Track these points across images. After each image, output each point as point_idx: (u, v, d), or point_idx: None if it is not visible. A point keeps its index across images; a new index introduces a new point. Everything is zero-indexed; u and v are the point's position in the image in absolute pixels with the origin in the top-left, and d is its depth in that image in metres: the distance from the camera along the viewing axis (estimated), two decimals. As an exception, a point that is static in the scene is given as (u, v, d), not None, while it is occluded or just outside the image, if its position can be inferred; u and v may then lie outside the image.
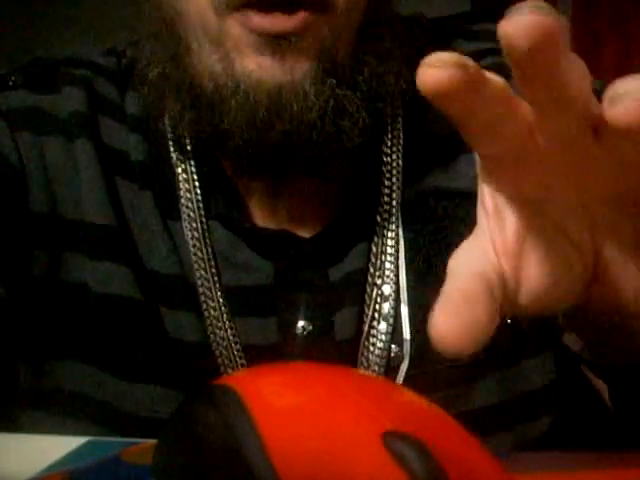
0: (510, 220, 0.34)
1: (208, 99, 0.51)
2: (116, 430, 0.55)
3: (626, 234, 0.34)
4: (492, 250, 0.33)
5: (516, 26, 0.27)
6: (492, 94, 0.29)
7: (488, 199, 0.34)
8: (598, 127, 0.29)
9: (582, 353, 0.47)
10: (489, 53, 0.60)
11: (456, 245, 0.56)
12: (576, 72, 0.29)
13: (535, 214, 0.33)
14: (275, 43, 0.49)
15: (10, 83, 0.59)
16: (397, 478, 0.23)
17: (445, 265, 0.56)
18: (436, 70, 0.28)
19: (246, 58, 0.49)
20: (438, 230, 0.56)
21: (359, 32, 0.52)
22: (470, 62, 0.28)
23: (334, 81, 0.50)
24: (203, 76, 0.51)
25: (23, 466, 0.40)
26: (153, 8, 0.54)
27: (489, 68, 0.61)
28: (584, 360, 0.50)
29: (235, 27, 0.49)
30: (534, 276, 0.34)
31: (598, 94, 0.61)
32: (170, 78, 0.53)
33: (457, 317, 0.29)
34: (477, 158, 0.34)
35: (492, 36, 0.63)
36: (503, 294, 0.32)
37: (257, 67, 0.49)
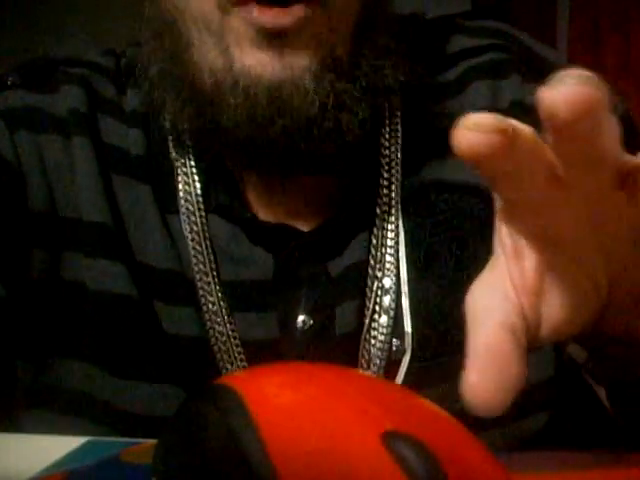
0: (529, 259, 0.34)
1: (207, 95, 0.51)
2: (115, 428, 0.55)
3: (638, 265, 0.34)
4: (512, 290, 0.33)
5: (558, 97, 0.26)
6: (522, 148, 0.29)
7: (506, 239, 0.34)
8: (624, 177, 0.30)
9: (585, 363, 0.48)
10: (490, 49, 0.60)
11: (457, 239, 0.56)
12: (610, 133, 0.28)
13: (553, 251, 0.34)
14: (273, 38, 0.49)
15: (8, 83, 0.59)
16: (397, 478, 0.23)
17: (446, 258, 0.56)
18: (473, 134, 0.27)
19: (245, 54, 0.50)
20: (439, 223, 0.56)
21: (356, 27, 0.52)
22: (508, 123, 0.28)
23: (333, 75, 0.50)
24: (203, 72, 0.51)
25: (23, 466, 0.40)
26: (154, 7, 0.54)
27: (491, 63, 0.61)
28: (586, 369, 0.50)
29: (236, 22, 0.50)
30: (554, 311, 0.34)
31: None
32: (170, 75, 0.54)
33: (488, 377, 0.30)
34: (496, 198, 0.33)
35: (492, 33, 0.63)
36: (526, 334, 0.32)
37: (256, 63, 0.49)
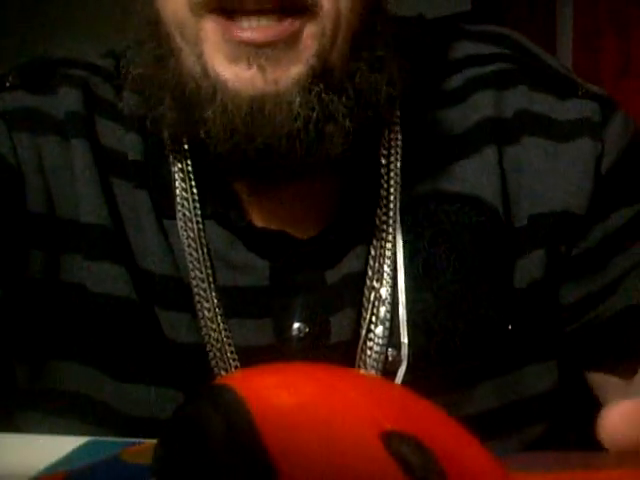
0: None
1: (189, 100, 0.51)
2: (114, 430, 0.55)
3: None
4: None
5: None
6: None
7: None
8: None
9: None
10: (496, 58, 0.60)
11: (456, 250, 0.56)
12: None
13: None
14: (253, 53, 0.48)
15: (7, 84, 0.59)
16: (397, 478, 0.23)
17: (444, 269, 0.56)
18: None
19: (221, 66, 0.49)
20: (438, 234, 0.56)
21: (352, 39, 0.51)
22: None
23: (322, 86, 0.49)
24: (185, 76, 0.51)
25: (23, 466, 0.40)
26: (141, 10, 0.54)
27: (495, 73, 0.61)
28: None
29: (211, 31, 0.49)
30: None
31: (599, 99, 0.60)
32: (153, 78, 0.53)
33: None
34: None
35: (498, 40, 0.63)
36: None
37: (234, 77, 0.48)
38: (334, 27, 0.50)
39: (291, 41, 0.48)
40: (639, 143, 0.59)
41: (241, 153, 0.50)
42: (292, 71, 0.49)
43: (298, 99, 0.49)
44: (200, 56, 0.50)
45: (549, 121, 0.57)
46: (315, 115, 0.49)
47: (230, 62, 0.49)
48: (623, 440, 0.29)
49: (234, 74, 0.49)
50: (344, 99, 0.51)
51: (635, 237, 0.58)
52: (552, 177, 0.56)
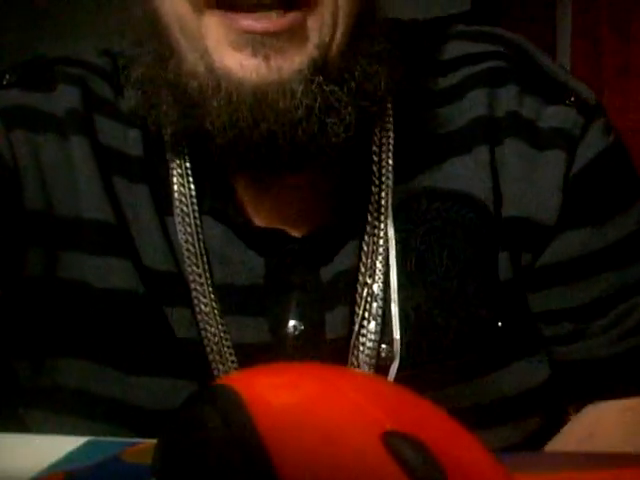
0: None
1: (192, 98, 0.51)
2: (120, 425, 0.55)
3: None
4: None
5: None
6: None
7: None
8: None
9: None
10: (491, 56, 0.60)
11: (448, 247, 0.56)
12: None
13: None
14: (258, 41, 0.49)
15: (4, 82, 0.59)
16: (397, 478, 0.23)
17: (436, 266, 0.56)
18: None
19: (225, 56, 0.49)
20: (430, 231, 0.56)
21: (352, 31, 0.52)
22: None
23: (322, 78, 0.50)
24: (187, 76, 0.51)
25: (23, 466, 0.40)
26: (142, 10, 0.54)
27: (490, 71, 0.61)
28: None
29: (214, 24, 0.49)
30: None
31: (584, 108, 0.60)
32: (154, 78, 0.54)
33: None
34: None
35: (493, 39, 0.63)
36: None
37: (238, 66, 0.49)
38: (333, 19, 0.51)
39: (294, 32, 0.49)
40: (615, 155, 0.58)
41: (245, 142, 0.50)
42: (295, 61, 0.49)
43: (301, 87, 0.49)
44: (204, 52, 0.50)
45: (532, 126, 0.57)
46: (317, 105, 0.50)
47: (234, 50, 0.49)
48: None
49: (238, 62, 0.49)
50: (345, 90, 0.51)
51: (606, 264, 0.57)
52: (525, 183, 0.57)
